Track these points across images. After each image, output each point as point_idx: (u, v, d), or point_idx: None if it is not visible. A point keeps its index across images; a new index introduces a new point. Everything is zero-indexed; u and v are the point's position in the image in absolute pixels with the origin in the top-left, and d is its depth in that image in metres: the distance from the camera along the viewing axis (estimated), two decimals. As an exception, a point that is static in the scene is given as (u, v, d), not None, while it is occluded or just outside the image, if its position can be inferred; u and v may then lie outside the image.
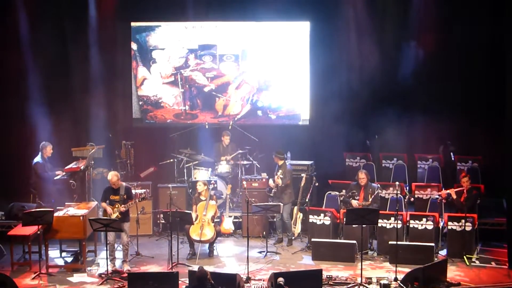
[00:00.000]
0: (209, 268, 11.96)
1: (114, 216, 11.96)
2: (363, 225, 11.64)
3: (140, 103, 16.45)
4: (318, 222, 13.26)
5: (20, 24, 15.08)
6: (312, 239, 13.03)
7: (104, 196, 12.31)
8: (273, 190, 13.71)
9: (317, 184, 13.95)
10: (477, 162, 15.04)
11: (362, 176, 13.19)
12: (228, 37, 16.19)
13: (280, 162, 13.75)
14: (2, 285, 10.78)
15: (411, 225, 12.91)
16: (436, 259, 12.31)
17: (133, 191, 12.76)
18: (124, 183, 12.48)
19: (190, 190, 14.68)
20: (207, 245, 12.98)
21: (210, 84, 16.34)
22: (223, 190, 14.52)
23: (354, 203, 13.06)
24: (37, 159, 13.84)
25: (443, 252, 12.83)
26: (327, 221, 13.21)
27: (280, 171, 13.60)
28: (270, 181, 13.84)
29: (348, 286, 11.23)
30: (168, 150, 15.68)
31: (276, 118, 16.38)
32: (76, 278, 11.89)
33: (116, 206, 12.08)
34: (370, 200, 12.93)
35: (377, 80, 15.61)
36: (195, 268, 11.78)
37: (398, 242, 12.08)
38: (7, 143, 15.21)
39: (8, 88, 15.24)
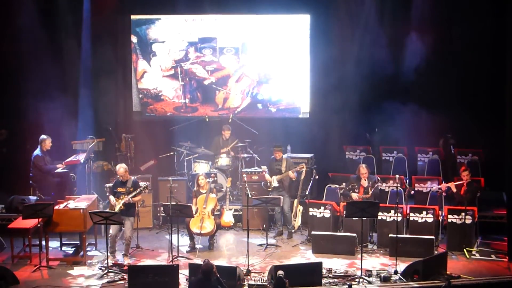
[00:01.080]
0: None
1: (117, 208, 11.99)
2: (363, 218, 11.65)
3: (140, 96, 16.45)
4: (318, 215, 13.27)
5: (19, 18, 15.04)
6: (312, 232, 13.03)
7: (111, 189, 12.38)
8: (273, 185, 13.66)
9: (317, 177, 13.92)
10: (477, 155, 15.05)
11: (364, 171, 13.17)
12: (228, 30, 16.17)
13: (280, 156, 13.74)
14: (2, 278, 10.80)
15: (411, 218, 12.92)
16: (436, 252, 12.31)
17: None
18: (132, 177, 12.50)
19: (190, 183, 14.68)
20: (207, 238, 12.99)
21: (210, 77, 16.33)
22: (223, 183, 14.53)
23: (354, 196, 13.06)
24: (36, 152, 13.86)
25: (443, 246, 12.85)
26: (327, 214, 13.21)
27: (302, 164, 13.57)
28: (267, 176, 13.81)
29: (348, 278, 11.24)
30: (168, 143, 15.68)
31: (276, 111, 16.37)
32: (76, 271, 11.89)
33: (121, 198, 12.11)
34: (371, 192, 12.94)
35: (377, 73, 15.59)
36: (195, 261, 11.84)
37: (398, 235, 12.08)
38: (7, 136, 15.20)
39: (7, 82, 15.21)
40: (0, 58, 15.13)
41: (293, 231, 13.76)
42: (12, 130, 15.37)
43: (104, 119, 15.81)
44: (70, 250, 12.90)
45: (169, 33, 16.24)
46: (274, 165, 13.81)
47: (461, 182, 13.07)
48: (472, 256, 12.39)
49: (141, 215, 13.28)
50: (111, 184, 12.96)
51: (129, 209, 12.16)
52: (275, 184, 13.66)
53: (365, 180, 13.11)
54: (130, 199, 12.13)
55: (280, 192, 13.62)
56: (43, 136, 13.93)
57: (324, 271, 11.23)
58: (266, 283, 10.85)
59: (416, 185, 14.28)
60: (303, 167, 13.50)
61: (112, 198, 12.18)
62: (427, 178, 14.43)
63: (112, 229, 12.03)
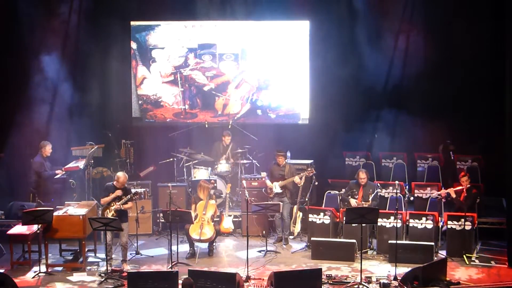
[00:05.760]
0: (209, 267, 12.03)
1: (109, 215, 11.95)
2: (363, 224, 11.64)
3: (140, 102, 16.45)
4: (318, 221, 13.26)
5: (20, 24, 15.06)
6: (312, 238, 13.02)
7: (105, 193, 12.28)
8: (275, 191, 13.64)
9: (316, 183, 13.93)
10: (477, 161, 15.05)
11: (363, 176, 13.20)
12: (227, 36, 16.18)
13: (283, 161, 13.74)
14: (2, 285, 10.78)
15: (410, 224, 12.91)
16: (435, 258, 12.31)
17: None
18: (126, 185, 12.46)
19: (190, 189, 14.67)
20: (206, 244, 12.98)
21: (210, 83, 16.34)
22: (223, 189, 14.51)
23: (353, 202, 13.07)
24: (36, 158, 13.88)
25: (443, 252, 12.85)
26: (326, 220, 13.21)
27: (310, 169, 13.58)
28: (268, 182, 13.80)
29: (348, 285, 11.23)
30: (168, 149, 15.67)
31: (275, 117, 16.38)
32: (75, 277, 11.88)
33: (112, 204, 12.07)
34: (370, 198, 12.93)
35: (377, 79, 15.63)
36: (195, 267, 11.84)
37: (398, 241, 12.08)
38: (6, 142, 15.19)
39: (7, 88, 15.21)
40: (0, 64, 15.14)
41: (291, 237, 13.76)
42: (12, 135, 15.35)
43: (104, 125, 15.82)
44: (69, 257, 12.89)
45: (169, 39, 16.26)
46: (276, 171, 13.79)
47: (460, 188, 13.08)
48: (472, 262, 12.38)
49: (140, 221, 13.27)
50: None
51: (122, 216, 12.11)
52: (277, 190, 13.63)
53: (363, 185, 13.13)
54: (121, 206, 12.09)
55: (282, 198, 13.62)
56: (43, 142, 13.95)
57: (323, 277, 11.22)
58: (266, 290, 10.87)
59: (416, 191, 14.28)
60: (312, 172, 13.51)
61: (106, 199, 12.11)
62: (426, 184, 14.43)
63: (107, 236, 12.00)
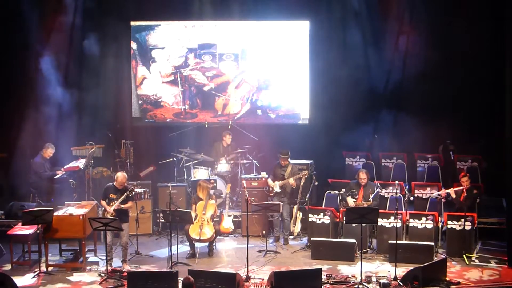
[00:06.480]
0: (209, 267, 12.03)
1: (109, 215, 11.94)
2: (363, 224, 11.64)
3: (140, 102, 16.45)
4: (318, 221, 13.26)
5: (20, 24, 15.07)
6: (312, 238, 13.03)
7: (104, 194, 12.30)
8: (275, 190, 13.63)
9: (316, 183, 13.96)
10: (477, 161, 15.05)
11: (363, 177, 13.20)
12: (227, 36, 16.19)
13: (286, 163, 13.71)
14: (2, 285, 10.78)
15: (410, 224, 12.91)
16: (435, 258, 12.31)
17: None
18: (127, 185, 12.46)
19: (190, 189, 14.67)
20: (206, 244, 12.97)
21: (210, 83, 16.34)
22: (223, 189, 14.51)
23: (350, 201, 13.05)
24: (36, 158, 13.89)
25: (443, 252, 12.84)
26: (326, 220, 13.21)
27: (305, 171, 13.58)
28: (269, 181, 13.81)
29: (348, 285, 11.23)
30: (168, 149, 15.66)
31: (275, 117, 16.38)
32: (75, 277, 11.87)
33: (111, 204, 12.07)
34: (371, 198, 12.92)
35: (377, 78, 15.63)
36: (195, 267, 11.84)
37: (398, 241, 12.07)
38: (8, 142, 15.22)
39: (8, 88, 15.22)
40: (1, 63, 15.14)
41: (291, 237, 13.76)
42: (13, 135, 15.36)
43: (104, 125, 15.82)
44: (69, 256, 12.89)
45: (169, 39, 16.26)
46: (278, 170, 13.79)
47: (460, 188, 13.09)
48: (472, 262, 12.37)
49: (140, 221, 13.27)
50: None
51: (123, 216, 12.12)
52: (277, 189, 13.64)
53: (363, 186, 13.13)
54: (120, 205, 12.07)
55: (281, 198, 13.61)
56: (47, 144, 14.02)
57: (323, 277, 11.22)
58: (266, 290, 10.86)
59: (416, 191, 14.28)
60: (305, 174, 13.50)
61: (107, 206, 12.13)
62: (426, 184, 14.43)
63: (108, 237, 12.01)
